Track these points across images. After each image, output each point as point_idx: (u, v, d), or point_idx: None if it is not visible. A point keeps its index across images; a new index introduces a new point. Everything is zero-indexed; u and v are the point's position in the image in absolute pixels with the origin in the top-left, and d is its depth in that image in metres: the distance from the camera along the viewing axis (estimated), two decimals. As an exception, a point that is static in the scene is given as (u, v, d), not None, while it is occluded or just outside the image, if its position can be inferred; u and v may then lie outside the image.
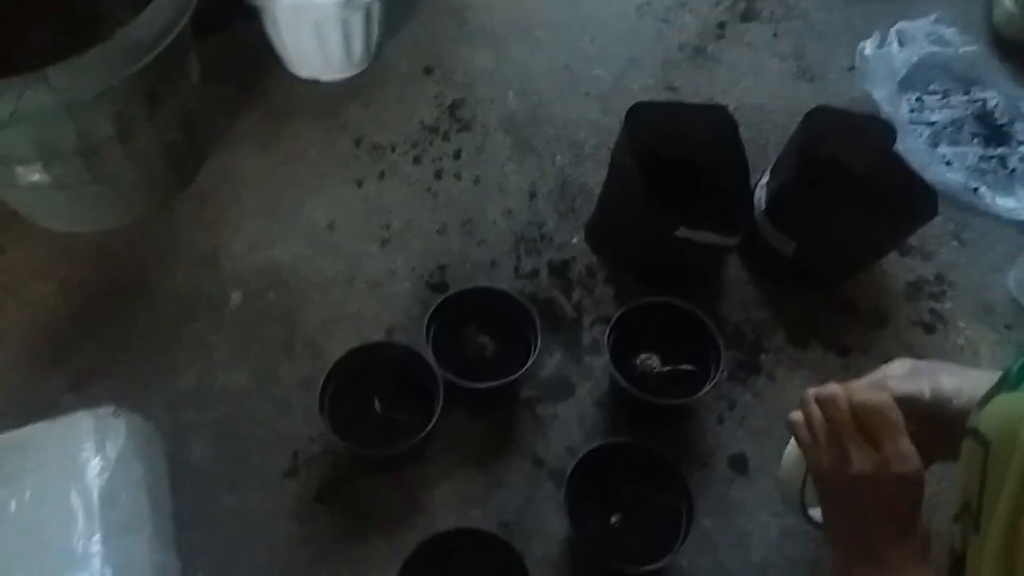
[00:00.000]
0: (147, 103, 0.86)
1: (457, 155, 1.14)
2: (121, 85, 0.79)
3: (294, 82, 1.19)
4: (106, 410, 0.74)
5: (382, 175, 1.11)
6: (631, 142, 0.93)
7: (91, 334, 0.94)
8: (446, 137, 1.16)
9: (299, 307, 0.98)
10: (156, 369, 0.92)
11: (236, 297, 0.98)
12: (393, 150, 1.13)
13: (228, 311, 0.97)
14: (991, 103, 1.20)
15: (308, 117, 1.15)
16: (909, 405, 0.58)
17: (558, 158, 1.14)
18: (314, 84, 1.19)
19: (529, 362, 0.85)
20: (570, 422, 0.92)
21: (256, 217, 1.05)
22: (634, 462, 0.82)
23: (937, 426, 0.59)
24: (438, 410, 0.81)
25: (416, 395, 0.85)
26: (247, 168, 1.09)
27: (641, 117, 0.95)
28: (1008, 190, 1.12)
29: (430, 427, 0.81)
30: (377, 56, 1.22)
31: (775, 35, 1.30)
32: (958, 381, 0.60)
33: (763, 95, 1.23)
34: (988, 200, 1.10)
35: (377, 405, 0.85)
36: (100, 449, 0.71)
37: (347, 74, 1.20)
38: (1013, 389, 0.41)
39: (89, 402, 0.85)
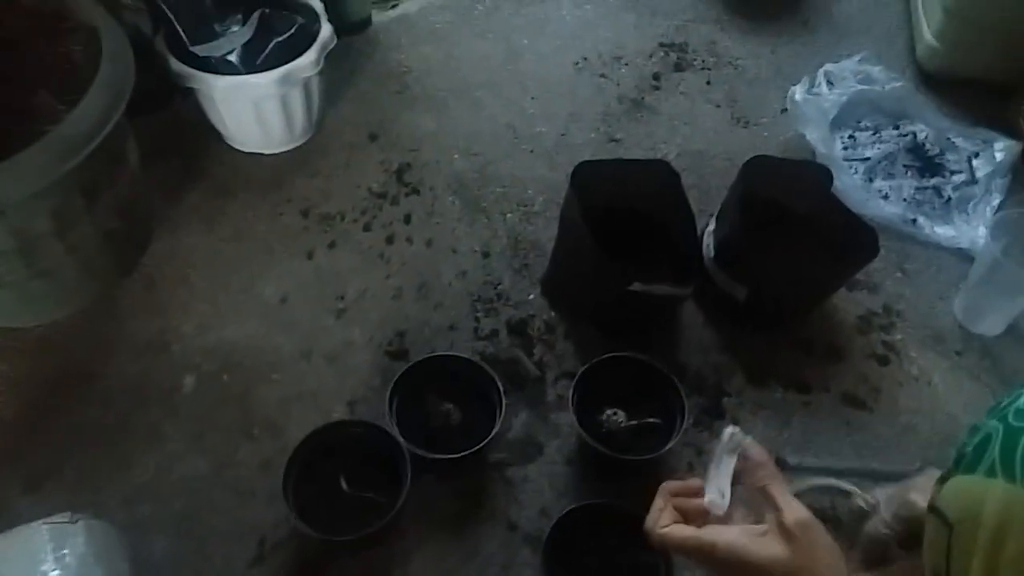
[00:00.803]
0: (85, 195, 0.84)
1: (407, 219, 1.14)
2: (56, 183, 0.77)
3: (236, 157, 1.18)
4: (62, 517, 0.70)
5: (332, 244, 1.10)
6: (579, 200, 0.94)
7: (40, 432, 0.90)
8: (395, 202, 1.16)
9: (255, 387, 0.95)
10: (110, 464, 0.88)
11: (189, 382, 0.95)
12: (342, 219, 1.13)
13: (181, 397, 0.94)
14: (921, 135, 1.25)
15: (253, 191, 1.14)
16: None
17: (508, 216, 1.15)
18: (257, 158, 1.18)
19: (496, 427, 0.85)
20: (541, 483, 0.91)
21: (205, 297, 1.03)
22: (609, 522, 0.81)
23: None
24: (406, 487, 0.80)
25: (383, 470, 0.83)
26: (193, 248, 1.07)
27: (587, 175, 0.96)
28: (946, 219, 1.16)
29: (399, 505, 0.79)
30: (319, 126, 1.22)
31: (708, 83, 1.34)
32: None
33: (702, 142, 1.26)
34: (927, 230, 1.14)
35: (343, 484, 0.83)
36: (59, 560, 0.67)
37: (289, 147, 1.19)
38: (970, 471, 0.42)
39: (44, 503, 0.81)
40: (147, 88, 0.94)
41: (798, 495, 0.63)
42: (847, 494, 0.86)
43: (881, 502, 0.77)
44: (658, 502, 0.62)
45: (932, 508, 0.45)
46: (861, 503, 0.80)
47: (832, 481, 0.88)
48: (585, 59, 1.37)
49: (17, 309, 0.94)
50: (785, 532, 0.55)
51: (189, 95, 1.12)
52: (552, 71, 1.34)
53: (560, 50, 1.38)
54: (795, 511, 0.56)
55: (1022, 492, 0.38)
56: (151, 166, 1.06)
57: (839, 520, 0.86)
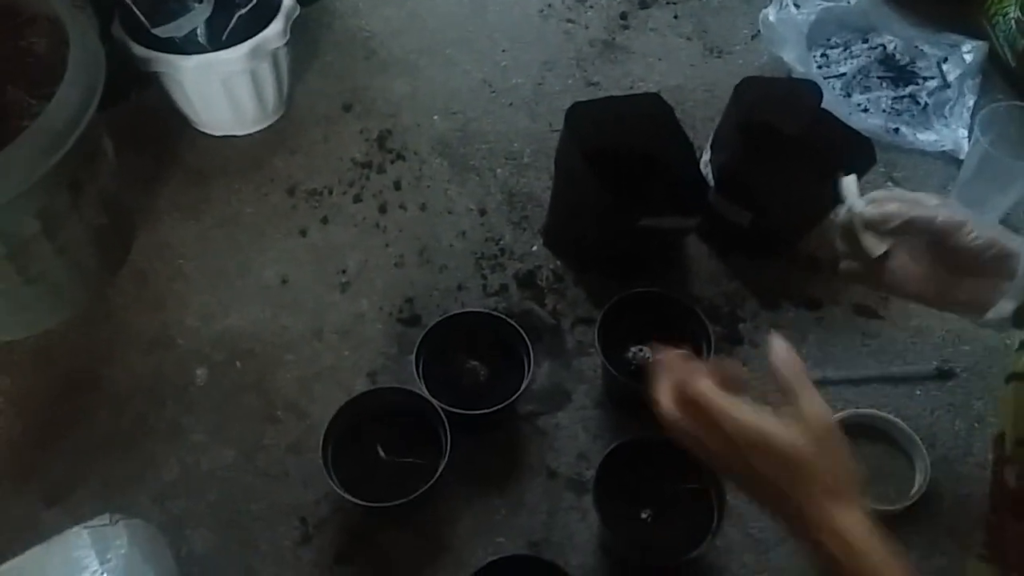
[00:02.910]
0: (70, 191, 0.80)
1: (397, 186, 1.11)
2: (43, 178, 0.73)
3: (208, 141, 1.14)
4: (100, 519, 0.68)
5: (325, 220, 1.07)
6: (576, 143, 0.93)
7: (53, 445, 0.86)
8: (381, 170, 1.13)
9: (270, 371, 0.93)
10: (133, 466, 0.85)
11: (201, 374, 0.92)
12: (330, 193, 1.10)
13: (196, 390, 0.91)
14: (890, 46, 1.27)
15: (233, 175, 1.10)
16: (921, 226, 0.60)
17: (499, 171, 1.13)
18: (231, 140, 1.14)
19: (527, 377, 0.84)
20: (574, 428, 0.91)
21: (203, 287, 0.99)
22: (653, 455, 0.81)
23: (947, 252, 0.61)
24: (446, 447, 0.79)
25: (418, 434, 0.82)
26: (181, 238, 1.03)
27: (580, 117, 0.95)
28: (926, 124, 1.18)
29: (442, 466, 0.78)
30: (290, 103, 1.18)
31: (676, 17, 1.33)
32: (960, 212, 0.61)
33: (679, 76, 1.25)
34: (910, 138, 1.15)
35: (381, 453, 0.81)
36: (105, 563, 0.65)
37: (262, 125, 1.15)
38: None
39: (72, 515, 0.78)
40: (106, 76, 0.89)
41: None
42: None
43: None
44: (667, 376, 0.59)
45: (1012, 376, 0.45)
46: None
47: (873, 412, 0.89)
48: (550, 5, 1.34)
49: (9, 320, 0.90)
50: (809, 428, 0.52)
51: (149, 83, 1.07)
52: (519, 21, 1.32)
53: (524, -1, 1.35)
54: (820, 408, 0.53)
55: None
56: (123, 159, 1.01)
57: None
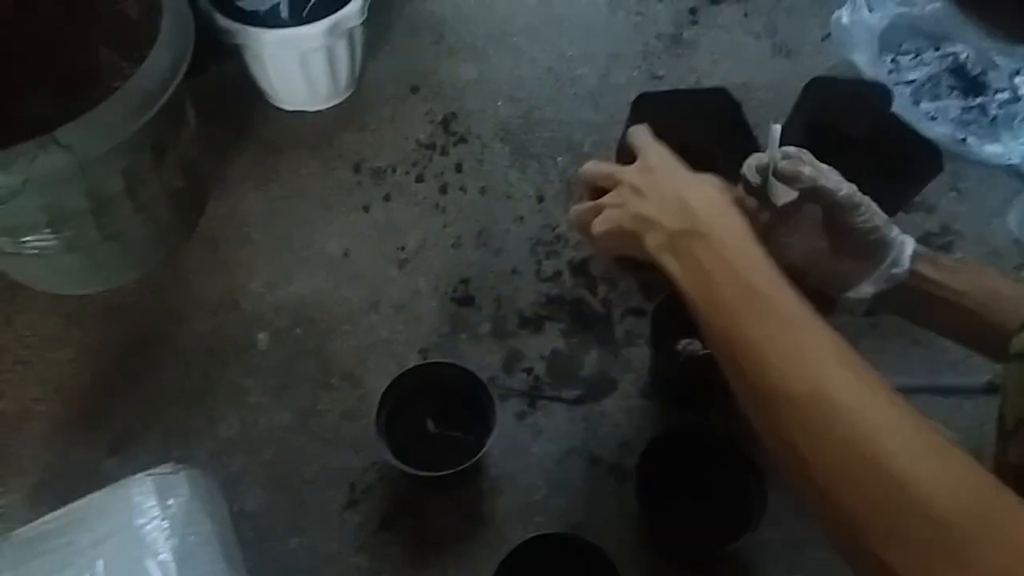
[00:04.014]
0: (154, 153, 0.84)
1: (459, 168, 1.13)
2: (131, 138, 0.77)
3: (281, 116, 1.18)
4: (164, 468, 0.71)
5: (387, 197, 1.10)
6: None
7: (120, 396, 0.91)
8: (444, 152, 1.15)
9: (328, 340, 0.96)
10: (194, 421, 0.89)
11: (263, 338, 0.96)
12: (394, 171, 1.12)
13: (257, 353, 0.95)
14: (962, 56, 1.24)
15: (303, 149, 1.14)
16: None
17: (559, 160, 1.14)
18: (302, 116, 1.17)
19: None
20: (618, 417, 0.92)
21: (268, 255, 1.03)
22: (695, 446, 0.82)
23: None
24: (494, 425, 0.81)
25: (466, 411, 0.85)
26: (250, 208, 1.07)
27: (646, 107, 0.96)
28: (993, 137, 1.16)
29: (489, 443, 0.80)
30: (361, 81, 1.21)
31: (746, 15, 1.33)
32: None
33: (745, 74, 1.25)
34: (976, 149, 1.14)
35: (431, 425, 0.84)
36: (166, 509, 0.68)
37: (333, 102, 1.18)
38: None
39: (132, 464, 0.82)
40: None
41: None
42: None
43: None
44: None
45: (1016, 355, 0.46)
46: None
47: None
48: (619, -3, 1.35)
49: (87, 275, 0.94)
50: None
51: (229, 55, 1.11)
52: (587, 12, 1.33)
53: (593, -11, 1.36)
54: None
55: None
56: (200, 127, 1.05)
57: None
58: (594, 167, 0.65)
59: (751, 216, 0.58)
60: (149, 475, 0.73)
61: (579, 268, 1.04)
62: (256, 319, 0.97)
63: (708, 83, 1.24)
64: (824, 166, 0.65)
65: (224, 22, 1.01)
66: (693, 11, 1.33)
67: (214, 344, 0.95)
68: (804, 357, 0.46)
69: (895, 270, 0.64)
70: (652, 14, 1.33)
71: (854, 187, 0.63)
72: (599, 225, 0.60)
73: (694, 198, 0.55)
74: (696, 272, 0.53)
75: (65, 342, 0.95)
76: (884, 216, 0.64)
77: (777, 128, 0.65)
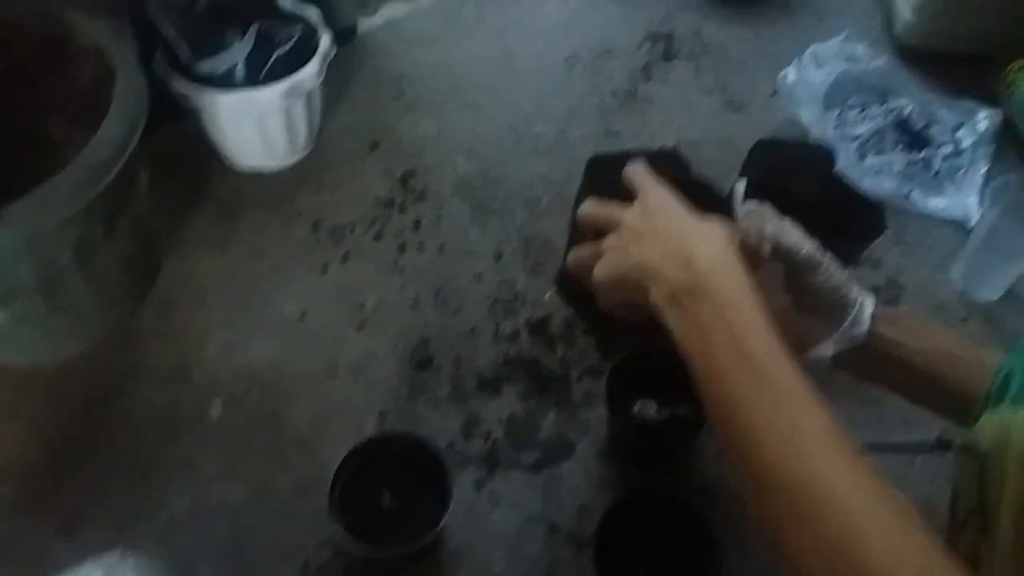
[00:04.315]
0: (105, 223, 0.83)
1: (417, 226, 1.14)
2: (80, 211, 0.76)
3: (238, 174, 1.17)
4: (111, 556, 0.70)
5: (346, 257, 1.10)
6: (594, 194, 0.95)
7: (70, 471, 0.88)
8: (403, 209, 1.16)
9: (284, 407, 0.95)
10: (145, 498, 0.87)
11: (216, 407, 0.95)
12: (352, 230, 1.13)
13: (210, 423, 0.93)
14: (906, 110, 1.29)
15: (261, 209, 1.13)
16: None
17: (517, 216, 1.16)
18: (260, 175, 1.17)
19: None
20: (577, 479, 0.92)
21: (224, 319, 1.02)
22: (653, 511, 0.83)
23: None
24: (450, 497, 0.80)
25: (423, 480, 0.84)
26: (206, 270, 1.06)
27: (599, 168, 0.97)
28: (937, 190, 1.20)
29: (445, 518, 0.79)
30: (320, 138, 1.22)
31: (697, 71, 1.36)
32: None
33: (697, 130, 1.28)
34: (920, 203, 1.17)
35: (387, 499, 0.83)
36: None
37: (292, 161, 1.18)
38: (997, 405, 0.44)
39: (81, 546, 0.80)
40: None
41: None
42: None
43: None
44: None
45: (964, 448, 0.47)
46: None
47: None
48: (576, 54, 1.38)
49: (35, 346, 0.93)
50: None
51: (184, 114, 1.11)
52: (545, 69, 1.35)
53: (551, 47, 1.39)
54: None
55: None
56: (154, 188, 1.05)
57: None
58: (593, 208, 0.63)
59: (754, 261, 0.59)
60: (96, 563, 0.71)
61: (537, 327, 1.04)
62: (210, 387, 0.96)
63: (663, 138, 1.26)
64: (786, 222, 0.66)
65: (180, 85, 1.01)
66: (647, 68, 1.36)
67: (166, 415, 0.94)
68: (800, 442, 0.46)
69: (855, 330, 0.65)
70: (608, 71, 1.36)
71: (815, 246, 0.64)
72: (601, 271, 0.59)
73: (698, 251, 0.54)
74: (696, 332, 0.52)
75: (15, 415, 0.92)
76: (845, 276, 0.65)
77: (741, 184, 0.67)
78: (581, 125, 1.28)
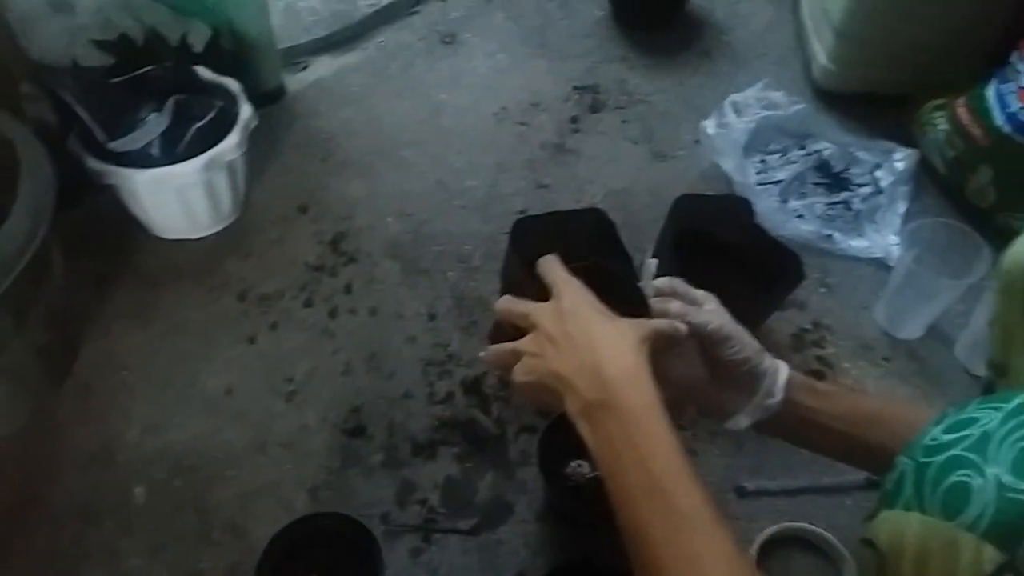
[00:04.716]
0: (14, 315, 0.81)
1: (348, 290, 1.13)
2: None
3: (161, 245, 1.15)
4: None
5: (274, 326, 1.08)
6: (519, 257, 0.96)
7: (-14, 569, 0.85)
8: (333, 273, 1.15)
9: (210, 488, 0.93)
10: (66, 591, 0.84)
11: (139, 492, 0.92)
12: (281, 297, 1.11)
13: (134, 510, 0.90)
14: (826, 153, 1.33)
15: (184, 280, 1.11)
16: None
17: (449, 275, 1.16)
18: (183, 244, 1.16)
19: None
20: (515, 544, 0.91)
21: (146, 399, 0.99)
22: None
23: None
24: (381, 573, 0.79)
25: (353, 559, 0.82)
26: (127, 347, 1.04)
27: (524, 231, 0.98)
28: (858, 231, 1.23)
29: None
30: (247, 203, 1.21)
31: (624, 121, 1.39)
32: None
33: (625, 179, 1.30)
34: (842, 244, 1.20)
35: (316, 581, 0.81)
36: None
37: (216, 229, 1.17)
38: (892, 505, 0.45)
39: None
40: (60, 186, 0.91)
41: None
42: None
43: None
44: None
45: (865, 541, 0.48)
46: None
47: (803, 525, 0.92)
48: (504, 108, 1.39)
49: (-54, 439, 0.89)
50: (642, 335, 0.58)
51: (103, 189, 1.09)
52: (474, 123, 1.36)
53: (479, 102, 1.40)
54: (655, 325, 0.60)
55: (935, 523, 0.41)
56: (73, 266, 1.02)
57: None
58: (508, 305, 0.64)
59: (672, 342, 0.61)
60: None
61: (471, 387, 1.04)
62: (133, 471, 0.93)
63: (592, 189, 1.28)
64: (699, 293, 0.68)
65: (95, 164, 1.00)
66: (575, 119, 1.38)
67: (88, 502, 0.90)
68: (698, 569, 0.48)
69: (768, 401, 0.66)
70: (536, 124, 1.37)
71: (724, 320, 0.65)
72: (520, 375, 0.60)
73: (608, 364, 0.55)
74: (608, 449, 0.54)
75: (-78, 513, 0.88)
76: (756, 347, 0.66)
77: (652, 263, 0.68)
78: (512, 179, 1.29)
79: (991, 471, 0.40)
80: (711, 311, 0.66)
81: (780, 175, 1.30)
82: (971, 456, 0.42)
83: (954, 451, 0.43)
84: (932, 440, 0.45)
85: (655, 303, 0.63)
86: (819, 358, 1.09)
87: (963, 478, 0.41)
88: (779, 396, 0.65)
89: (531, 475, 0.97)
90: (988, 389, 0.68)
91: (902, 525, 0.44)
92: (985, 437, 0.42)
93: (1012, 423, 0.42)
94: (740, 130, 1.29)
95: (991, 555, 0.39)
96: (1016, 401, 0.43)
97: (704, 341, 0.65)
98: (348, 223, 1.21)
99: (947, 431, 0.45)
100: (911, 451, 0.46)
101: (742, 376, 0.66)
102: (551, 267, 0.64)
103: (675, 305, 0.63)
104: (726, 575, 0.47)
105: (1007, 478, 0.39)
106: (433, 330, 1.10)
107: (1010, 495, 0.39)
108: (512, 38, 1.54)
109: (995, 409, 0.43)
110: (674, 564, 0.48)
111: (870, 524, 0.47)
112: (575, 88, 1.44)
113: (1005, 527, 0.39)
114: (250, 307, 1.10)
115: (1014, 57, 1.19)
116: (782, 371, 0.66)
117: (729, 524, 0.49)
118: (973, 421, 0.44)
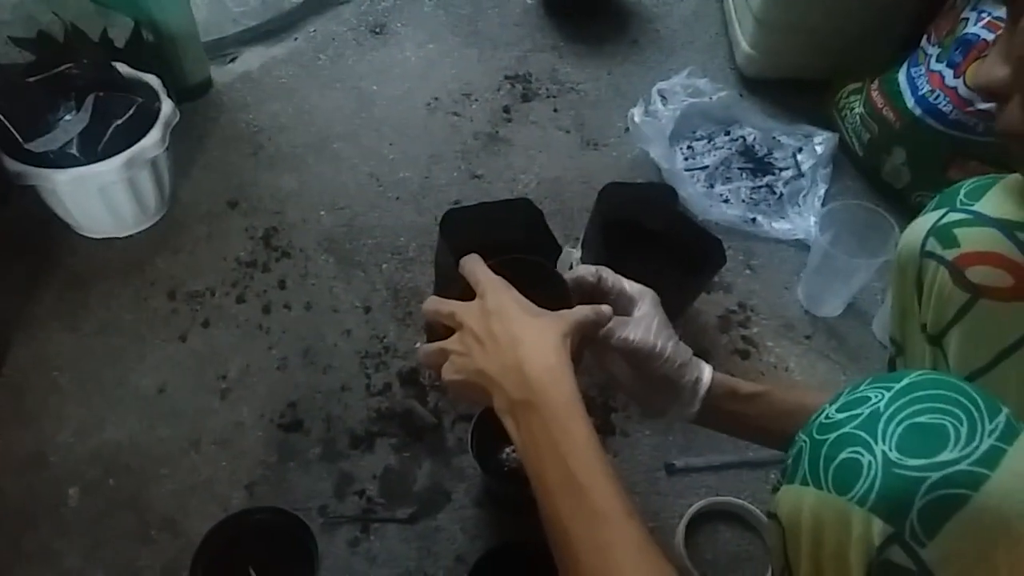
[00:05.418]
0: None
1: (282, 285, 1.13)
2: None
3: (88, 244, 1.13)
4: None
5: (206, 323, 1.07)
6: (450, 248, 0.98)
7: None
8: (266, 269, 1.14)
9: (145, 487, 0.92)
10: (-3, 599, 0.84)
11: (74, 493, 0.91)
12: (213, 294, 1.11)
13: (69, 511, 0.90)
14: (749, 138, 1.37)
15: (113, 279, 1.10)
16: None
17: (384, 267, 1.16)
18: (110, 243, 1.14)
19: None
20: (453, 530, 0.93)
21: (78, 400, 0.98)
22: (522, 561, 0.85)
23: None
24: (318, 564, 0.80)
25: (290, 552, 0.83)
26: (57, 349, 1.02)
27: (455, 222, 1.00)
28: (781, 214, 1.28)
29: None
30: (174, 200, 1.19)
31: (555, 110, 1.41)
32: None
33: (557, 168, 1.32)
34: (766, 227, 1.25)
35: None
36: None
37: (144, 227, 1.15)
38: (792, 480, 0.48)
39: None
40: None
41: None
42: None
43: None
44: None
45: (770, 515, 0.51)
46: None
47: (729, 499, 0.96)
48: (436, 99, 1.40)
49: None
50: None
51: (28, 189, 1.07)
52: (406, 114, 1.37)
53: (410, 92, 1.41)
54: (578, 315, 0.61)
55: (828, 497, 0.44)
56: (-2, 271, 1.01)
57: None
58: (435, 306, 0.65)
59: (593, 334, 0.63)
60: None
61: (408, 378, 1.05)
62: (66, 473, 0.92)
63: (524, 179, 1.30)
64: (636, 289, 0.70)
65: (14, 166, 0.97)
66: (507, 109, 1.39)
67: (22, 505, 0.90)
68: (613, 558, 0.51)
69: (688, 410, 0.70)
70: (469, 114, 1.38)
71: (650, 333, 0.67)
72: (449, 374, 0.61)
73: (529, 363, 0.56)
74: (530, 444, 0.56)
75: None
76: (681, 360, 0.68)
77: (572, 253, 0.69)
78: (445, 169, 1.30)
79: (879, 448, 0.43)
80: (639, 318, 0.68)
81: (706, 161, 1.34)
82: (861, 434, 0.45)
83: (846, 429, 0.46)
84: (827, 418, 0.48)
85: (584, 310, 0.64)
86: (744, 338, 1.14)
87: (853, 455, 0.44)
88: (697, 407, 0.69)
89: (468, 462, 0.99)
90: (892, 365, 0.72)
91: (799, 499, 0.47)
92: (874, 415, 0.45)
93: (900, 402, 0.45)
94: (666, 118, 1.32)
95: (880, 528, 0.42)
96: (905, 381, 0.46)
97: (628, 357, 0.67)
98: (280, 218, 1.20)
99: (840, 409, 0.48)
100: (808, 429, 0.49)
101: (667, 384, 0.69)
102: (473, 266, 0.65)
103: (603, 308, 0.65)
104: (636, 562, 0.50)
105: (894, 455, 0.42)
106: (369, 322, 1.10)
107: (896, 471, 0.42)
108: (442, 28, 1.54)
109: (885, 389, 0.46)
110: (588, 555, 0.51)
111: (773, 498, 0.51)
112: (506, 77, 1.45)
113: (892, 501, 0.41)
114: (180, 305, 1.09)
115: (924, 41, 1.25)
116: (703, 381, 0.69)
117: (641, 516, 0.52)
118: (864, 400, 0.47)
